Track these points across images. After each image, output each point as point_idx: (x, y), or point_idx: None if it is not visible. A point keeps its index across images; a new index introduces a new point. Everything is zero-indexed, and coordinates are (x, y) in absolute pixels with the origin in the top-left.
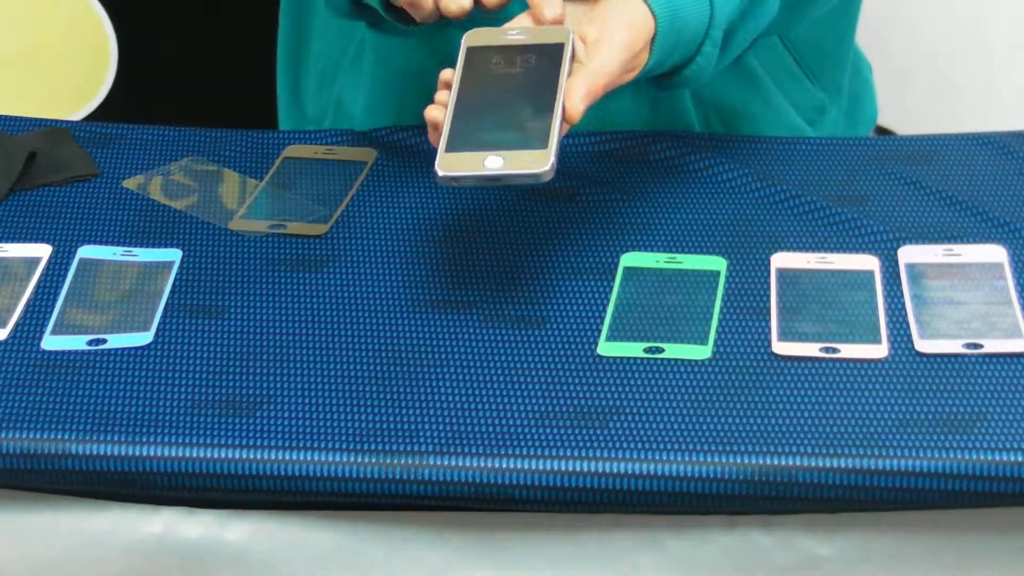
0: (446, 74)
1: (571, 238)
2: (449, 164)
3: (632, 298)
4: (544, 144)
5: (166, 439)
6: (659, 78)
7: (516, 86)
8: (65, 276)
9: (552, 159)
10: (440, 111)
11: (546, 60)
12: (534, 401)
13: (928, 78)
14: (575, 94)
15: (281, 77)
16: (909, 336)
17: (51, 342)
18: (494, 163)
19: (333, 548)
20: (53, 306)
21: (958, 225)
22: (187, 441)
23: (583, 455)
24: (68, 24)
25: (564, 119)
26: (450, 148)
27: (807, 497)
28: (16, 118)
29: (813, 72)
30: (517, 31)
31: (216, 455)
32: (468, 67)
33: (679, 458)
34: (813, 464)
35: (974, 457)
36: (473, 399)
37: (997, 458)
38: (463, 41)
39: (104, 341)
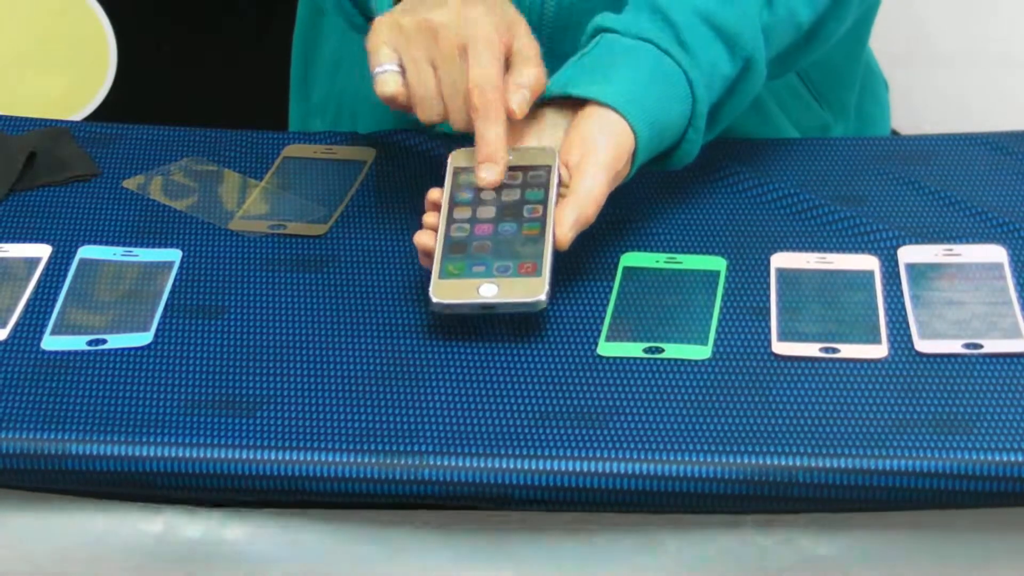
0: (433, 194)
1: None
2: (444, 292)
3: (632, 298)
4: (538, 272)
5: (166, 439)
6: (644, 165)
7: (505, 211)
8: (65, 276)
9: (547, 287)
10: (430, 236)
11: (534, 183)
12: (534, 401)
13: (935, 82)
14: (565, 223)
15: (294, 65)
16: (909, 336)
17: (51, 342)
18: (488, 291)
19: (333, 548)
20: (53, 306)
21: (958, 225)
22: (187, 441)
23: (583, 455)
24: (67, 24)
25: (554, 246)
26: (443, 275)
27: (807, 497)
28: (16, 118)
29: (819, 92)
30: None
31: (216, 455)
32: (456, 189)
33: (679, 458)
34: (813, 464)
35: (974, 457)
36: (473, 399)
37: (997, 458)
38: (449, 161)
39: (104, 341)
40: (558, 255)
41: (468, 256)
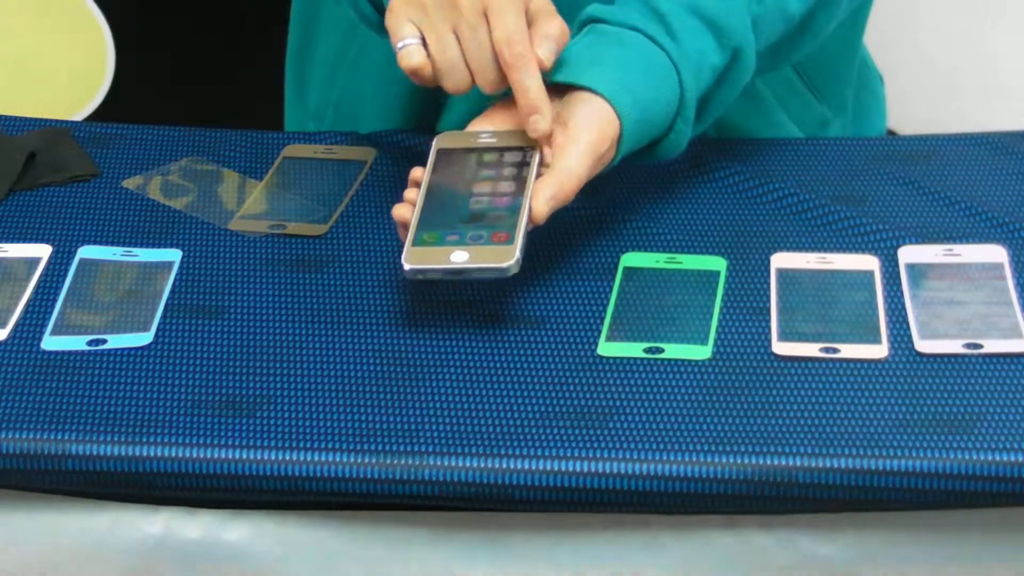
0: (415, 173)
1: (571, 238)
2: (416, 258)
3: (632, 298)
4: (511, 241)
5: (166, 439)
6: (633, 155)
7: (484, 186)
8: (65, 276)
9: (518, 254)
10: (408, 209)
11: (515, 162)
12: (534, 401)
13: (931, 80)
14: (541, 197)
15: (289, 69)
16: (909, 336)
17: (51, 342)
18: (460, 257)
19: (333, 548)
20: (53, 306)
21: (958, 225)
22: (187, 441)
23: (583, 455)
24: (66, 25)
25: (530, 220)
26: (417, 243)
27: (807, 497)
28: (16, 118)
29: (816, 86)
30: (488, 133)
31: (216, 455)
32: (438, 168)
33: (679, 458)
34: (813, 464)
35: (974, 457)
36: (473, 399)
37: (997, 458)
38: (434, 143)
39: (104, 341)
40: (556, 251)
41: (443, 226)
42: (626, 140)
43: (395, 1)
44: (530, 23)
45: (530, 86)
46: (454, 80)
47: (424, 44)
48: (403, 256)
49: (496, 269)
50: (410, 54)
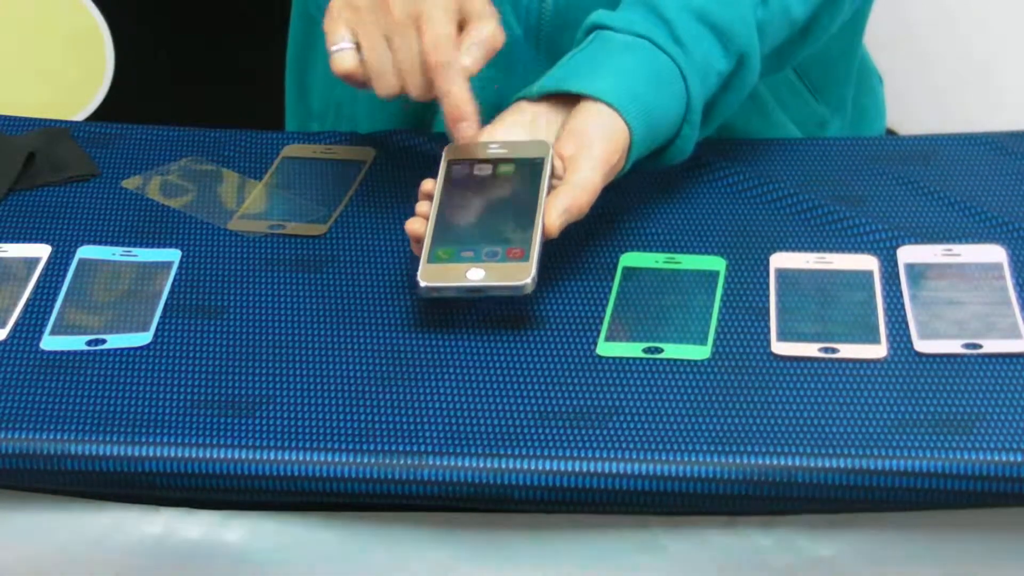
0: (427, 185)
1: (570, 238)
2: (431, 275)
3: (631, 298)
4: (526, 257)
5: (165, 439)
6: (638, 161)
7: (497, 199)
8: (64, 276)
9: (534, 272)
10: (421, 223)
11: (526, 174)
12: (534, 401)
13: (930, 80)
14: (554, 210)
15: (289, 72)
16: (908, 336)
17: (50, 342)
18: (476, 275)
19: (333, 548)
20: (52, 306)
21: (957, 225)
22: (187, 441)
23: (583, 455)
24: (65, 25)
25: (543, 234)
26: (432, 259)
27: (807, 497)
28: (16, 118)
29: (815, 86)
30: (498, 145)
31: (216, 455)
32: (449, 180)
33: (679, 458)
34: (813, 464)
35: (974, 457)
36: (473, 399)
37: (997, 458)
38: (444, 154)
39: (103, 341)
40: (556, 251)
41: (457, 242)
42: (635, 149)
43: (333, 3)
44: (463, 26)
45: (453, 92)
46: (383, 85)
47: (359, 48)
48: (418, 273)
49: (513, 288)
50: (343, 58)
